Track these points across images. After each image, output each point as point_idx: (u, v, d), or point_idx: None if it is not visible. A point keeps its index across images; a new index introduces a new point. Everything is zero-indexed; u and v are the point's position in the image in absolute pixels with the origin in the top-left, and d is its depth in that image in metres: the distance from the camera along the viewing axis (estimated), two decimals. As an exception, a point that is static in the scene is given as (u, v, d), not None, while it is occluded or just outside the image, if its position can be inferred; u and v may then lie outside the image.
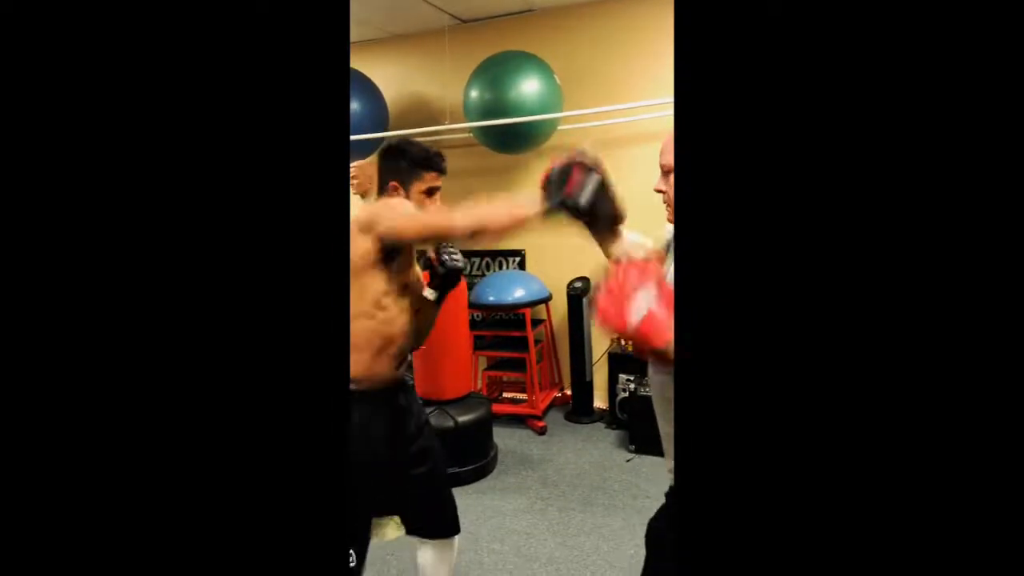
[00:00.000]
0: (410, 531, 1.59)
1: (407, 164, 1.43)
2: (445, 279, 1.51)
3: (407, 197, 1.43)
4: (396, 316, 1.41)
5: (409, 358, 1.54)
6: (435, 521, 1.59)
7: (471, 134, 3.50)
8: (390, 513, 1.55)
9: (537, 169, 3.80)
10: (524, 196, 1.09)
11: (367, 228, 1.33)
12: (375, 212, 1.35)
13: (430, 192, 1.44)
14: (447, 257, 1.50)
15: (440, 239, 1.43)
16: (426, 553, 1.64)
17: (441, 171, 1.45)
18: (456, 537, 1.64)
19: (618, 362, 3.45)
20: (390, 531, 1.61)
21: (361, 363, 1.39)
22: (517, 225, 1.12)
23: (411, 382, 1.59)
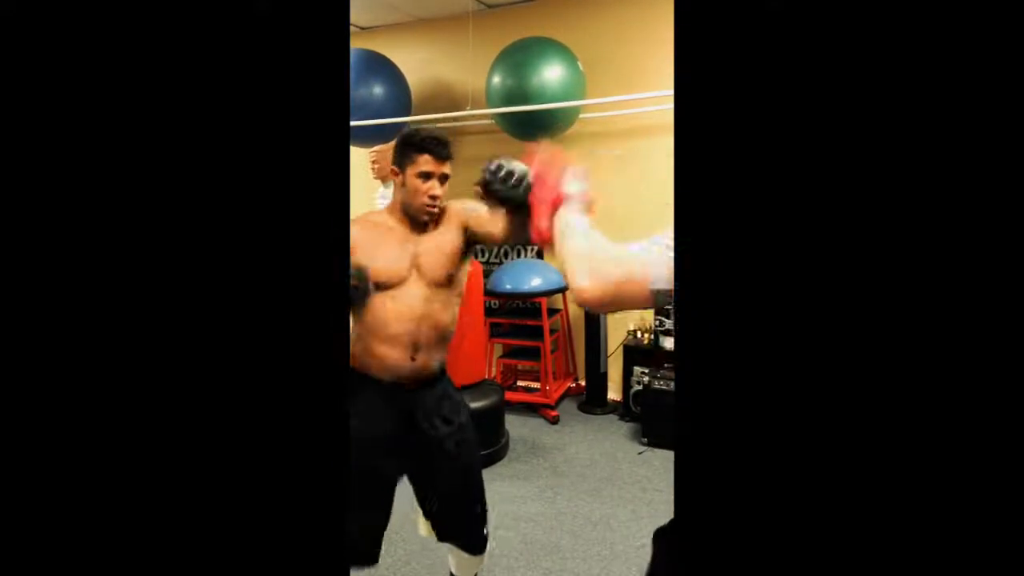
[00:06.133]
0: (441, 537, 1.57)
1: (401, 147, 1.41)
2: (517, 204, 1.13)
3: (404, 182, 1.41)
4: (380, 306, 1.41)
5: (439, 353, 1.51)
6: (460, 529, 1.57)
7: (493, 120, 3.48)
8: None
9: (558, 157, 3.78)
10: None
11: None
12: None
13: (425, 176, 1.39)
14: (501, 187, 1.11)
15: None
16: (454, 553, 1.65)
17: (436, 155, 1.38)
18: (483, 555, 1.62)
19: (633, 355, 3.44)
20: (422, 527, 1.60)
21: (366, 347, 1.42)
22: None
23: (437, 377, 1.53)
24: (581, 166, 0.96)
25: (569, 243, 0.84)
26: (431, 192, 1.39)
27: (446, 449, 1.49)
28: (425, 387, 1.49)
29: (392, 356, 1.43)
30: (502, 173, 1.09)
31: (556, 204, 0.92)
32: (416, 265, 1.44)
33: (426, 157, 1.38)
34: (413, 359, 1.44)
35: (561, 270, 0.94)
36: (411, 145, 1.39)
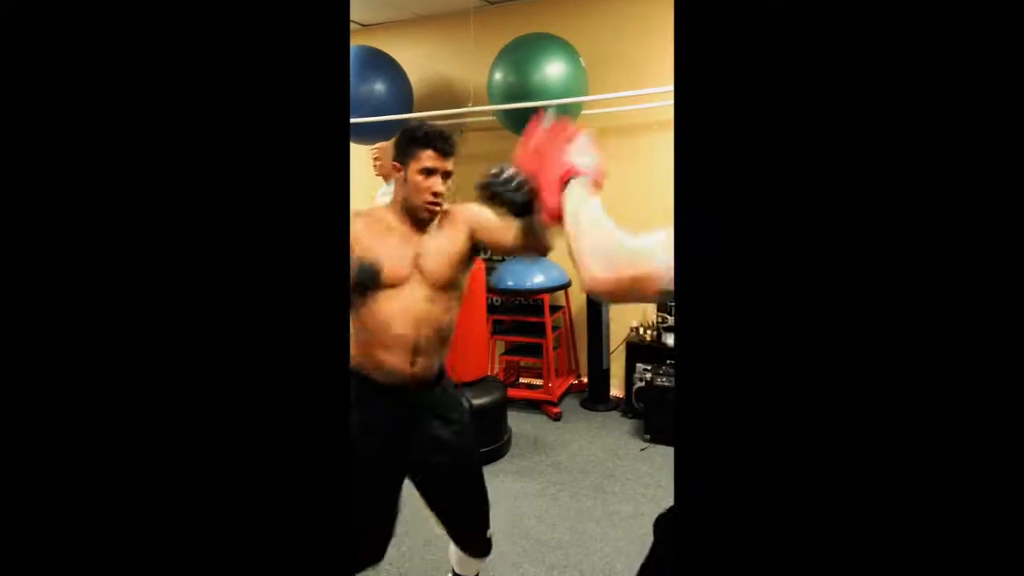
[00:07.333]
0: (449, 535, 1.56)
1: (404, 143, 1.37)
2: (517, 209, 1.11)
3: (406, 179, 1.37)
4: (381, 307, 1.37)
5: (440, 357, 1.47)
6: (461, 530, 1.56)
7: (494, 117, 3.48)
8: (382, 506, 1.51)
9: (560, 154, 3.78)
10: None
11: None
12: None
13: (427, 172, 1.35)
14: (501, 190, 1.09)
15: None
16: (456, 549, 1.64)
17: (440, 151, 1.35)
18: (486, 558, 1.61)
19: (635, 351, 3.44)
20: (439, 524, 1.60)
21: (365, 350, 1.39)
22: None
23: (439, 380, 1.51)
24: (587, 135, 0.90)
25: (582, 229, 0.80)
26: (433, 188, 1.36)
27: (447, 449, 1.48)
28: (425, 389, 1.46)
29: (392, 361, 1.39)
30: (503, 177, 1.06)
31: (564, 179, 0.86)
32: (418, 266, 1.39)
33: (429, 152, 1.34)
34: (413, 364, 1.40)
35: (570, 255, 0.83)
36: (414, 140, 1.36)
